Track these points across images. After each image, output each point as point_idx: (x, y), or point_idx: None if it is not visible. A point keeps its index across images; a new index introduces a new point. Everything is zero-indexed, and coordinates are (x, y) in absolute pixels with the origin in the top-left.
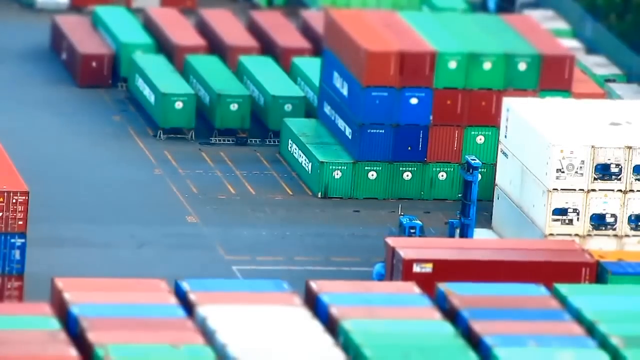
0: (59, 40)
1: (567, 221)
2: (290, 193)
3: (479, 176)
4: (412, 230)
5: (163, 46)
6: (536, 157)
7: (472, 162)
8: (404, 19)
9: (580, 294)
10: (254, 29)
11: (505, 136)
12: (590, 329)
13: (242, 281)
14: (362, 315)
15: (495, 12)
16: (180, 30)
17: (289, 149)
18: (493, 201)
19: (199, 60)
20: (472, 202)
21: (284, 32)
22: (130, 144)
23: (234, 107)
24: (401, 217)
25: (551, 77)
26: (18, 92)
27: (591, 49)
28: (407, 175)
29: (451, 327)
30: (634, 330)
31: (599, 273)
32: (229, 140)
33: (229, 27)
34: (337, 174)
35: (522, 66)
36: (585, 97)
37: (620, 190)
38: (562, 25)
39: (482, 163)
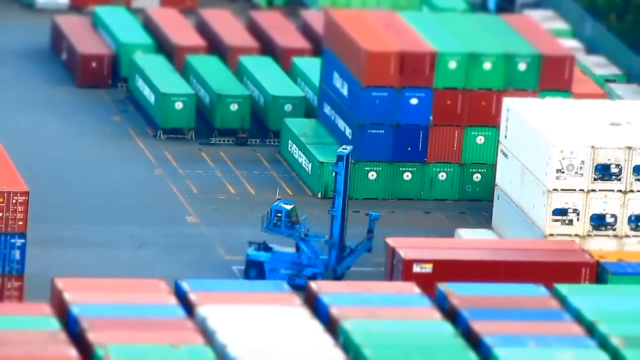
0: (59, 40)
1: (567, 221)
2: (290, 193)
3: (344, 167)
4: (278, 214)
5: (163, 46)
6: (536, 157)
7: (339, 151)
8: (404, 19)
9: (580, 294)
10: (254, 29)
11: (505, 136)
12: (590, 329)
13: (242, 281)
14: (362, 315)
15: (495, 12)
16: (180, 30)
17: (289, 149)
18: (493, 201)
19: (199, 60)
20: (338, 193)
21: (284, 32)
22: (130, 144)
23: (234, 107)
24: (277, 201)
25: (551, 77)
26: (18, 92)
27: (591, 49)
28: (407, 176)
29: (451, 327)
30: (634, 330)
31: (599, 273)
32: (229, 140)
33: (229, 27)
34: None
35: (522, 66)
36: (585, 97)
37: (620, 191)
38: (562, 25)
39: (349, 153)
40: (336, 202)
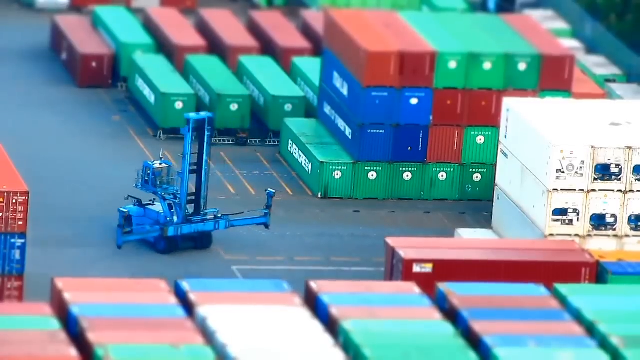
0: (59, 40)
1: (567, 221)
2: (290, 193)
3: (189, 130)
4: (148, 171)
5: (163, 46)
6: (536, 157)
7: (187, 114)
8: (404, 19)
9: (580, 294)
10: (254, 29)
11: (505, 136)
12: (590, 329)
13: (242, 281)
14: (362, 315)
15: (495, 12)
16: (180, 30)
17: (289, 149)
18: (493, 201)
19: (199, 60)
20: (184, 156)
21: (284, 32)
22: (130, 144)
23: (234, 107)
24: (161, 159)
25: (551, 77)
26: (18, 92)
27: (591, 49)
28: (407, 175)
29: (451, 327)
30: (634, 330)
31: (599, 273)
32: (229, 140)
33: (229, 27)
34: (337, 174)
35: (522, 66)
36: (585, 97)
37: (620, 191)
38: (562, 25)
39: (208, 117)
40: (183, 165)
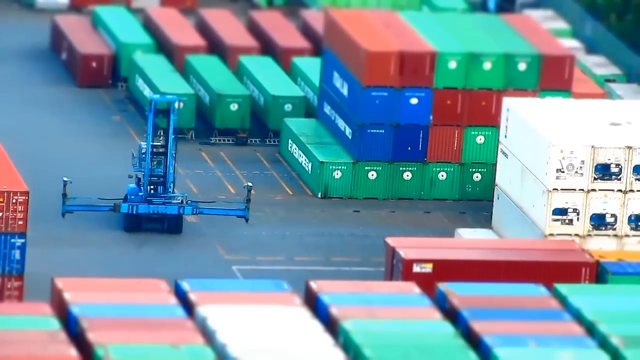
0: (59, 40)
1: (567, 221)
2: (290, 193)
3: (150, 111)
4: (142, 153)
5: (163, 46)
6: (536, 157)
7: (150, 95)
8: (404, 19)
9: (580, 294)
10: (254, 29)
11: (505, 136)
12: (590, 329)
13: (242, 281)
14: (362, 315)
15: (495, 12)
16: (180, 30)
17: (289, 149)
18: (493, 201)
19: (199, 60)
20: (147, 135)
21: (284, 32)
22: (130, 144)
23: (234, 107)
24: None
25: (551, 77)
26: (18, 92)
27: (591, 49)
28: (407, 175)
29: (451, 327)
30: (634, 330)
31: (599, 273)
32: (229, 140)
33: (229, 27)
34: (337, 174)
35: (522, 66)
36: (585, 97)
37: (620, 190)
38: (562, 25)
39: (180, 102)
40: (147, 146)
